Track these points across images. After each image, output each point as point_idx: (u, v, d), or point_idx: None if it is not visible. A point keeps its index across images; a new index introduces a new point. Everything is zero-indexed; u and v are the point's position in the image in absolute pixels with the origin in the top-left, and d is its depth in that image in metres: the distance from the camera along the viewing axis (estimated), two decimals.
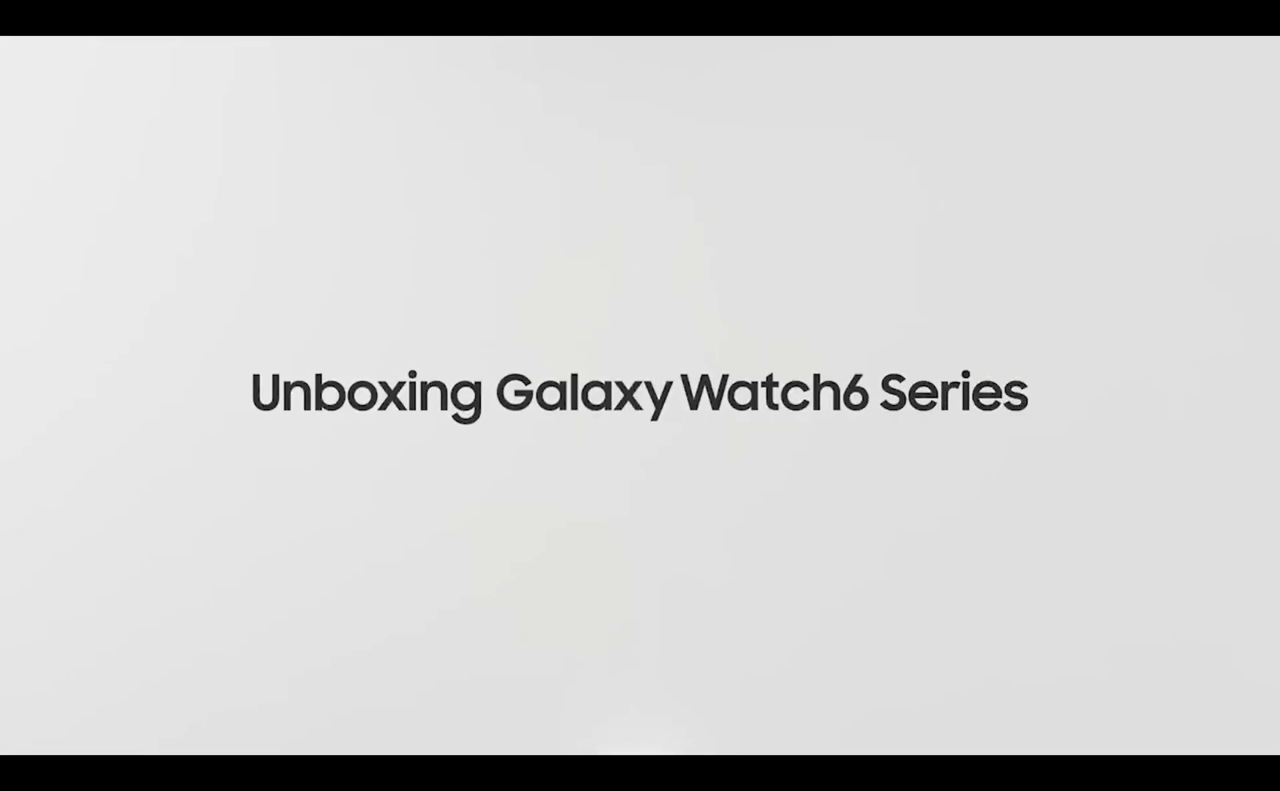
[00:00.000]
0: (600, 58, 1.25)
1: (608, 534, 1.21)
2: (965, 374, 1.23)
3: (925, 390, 1.22)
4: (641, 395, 1.19)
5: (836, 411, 1.22)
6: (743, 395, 1.22)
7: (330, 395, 1.23)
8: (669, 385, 1.18)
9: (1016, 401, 1.22)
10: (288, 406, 1.23)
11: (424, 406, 1.23)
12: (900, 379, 1.22)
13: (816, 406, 1.22)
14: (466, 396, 1.23)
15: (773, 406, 1.22)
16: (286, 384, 1.23)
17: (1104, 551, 1.22)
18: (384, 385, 1.23)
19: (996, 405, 1.22)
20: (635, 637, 1.22)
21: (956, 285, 1.23)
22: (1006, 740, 1.21)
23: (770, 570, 1.22)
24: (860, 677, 1.21)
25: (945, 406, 1.22)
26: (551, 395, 1.22)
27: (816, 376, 1.22)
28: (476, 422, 1.22)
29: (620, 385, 1.19)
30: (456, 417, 1.23)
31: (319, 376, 1.23)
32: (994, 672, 1.21)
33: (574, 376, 1.21)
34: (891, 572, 1.22)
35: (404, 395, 1.23)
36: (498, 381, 1.22)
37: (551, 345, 1.22)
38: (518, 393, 1.23)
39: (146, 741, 1.21)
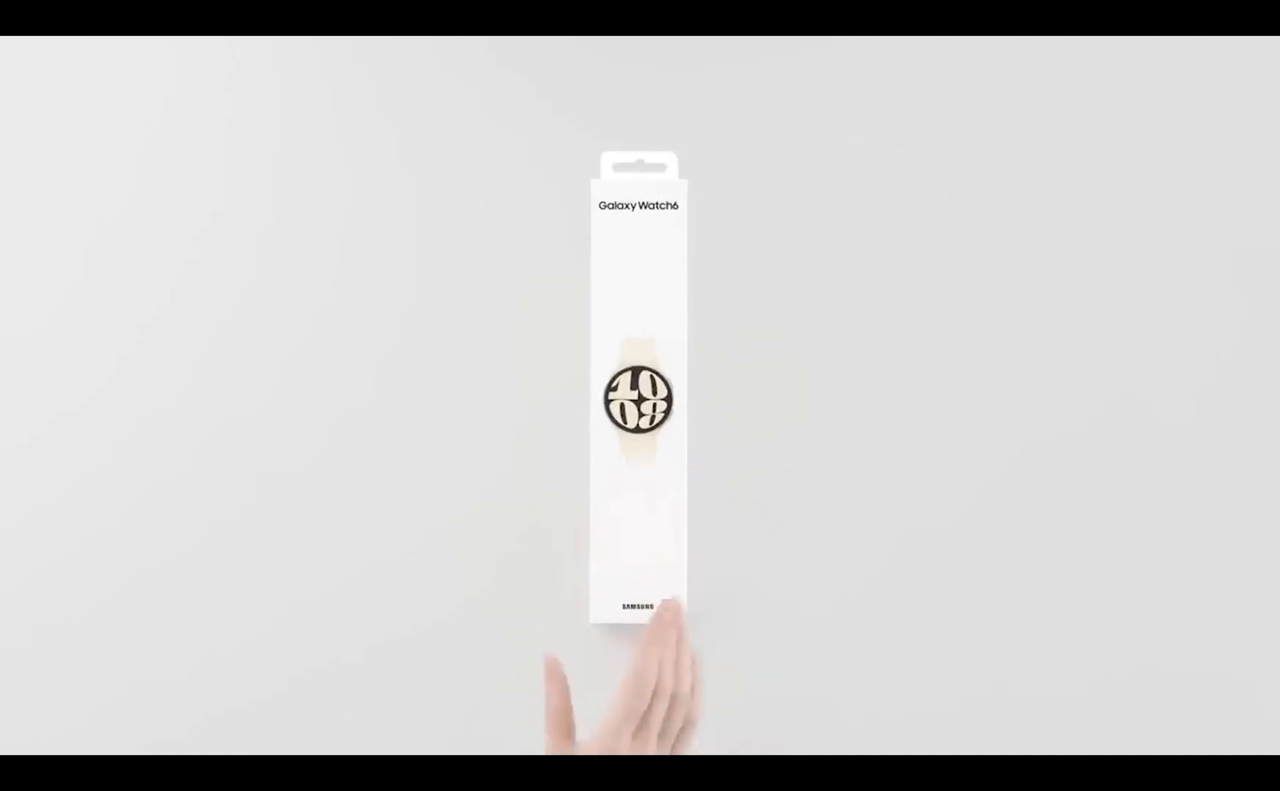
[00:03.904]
0: (600, 58, 1.25)
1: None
2: (970, 375, 1.23)
3: (928, 390, 1.22)
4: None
5: (837, 412, 1.22)
6: (742, 395, 1.22)
7: (331, 394, 1.23)
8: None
9: (1022, 403, 1.22)
10: (288, 407, 1.23)
11: (424, 406, 1.23)
12: (903, 379, 1.22)
13: (817, 406, 1.22)
14: (466, 396, 1.23)
15: (772, 406, 1.22)
16: (288, 384, 1.23)
17: (1107, 552, 1.22)
18: (384, 385, 1.23)
19: (1001, 407, 1.22)
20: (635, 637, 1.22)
21: (958, 285, 1.23)
22: (1007, 740, 1.21)
23: (771, 570, 1.22)
24: (860, 678, 1.21)
25: (948, 407, 1.22)
26: (551, 395, 1.22)
27: (817, 376, 1.22)
28: (477, 423, 1.22)
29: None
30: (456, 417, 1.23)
31: (320, 376, 1.23)
32: (996, 674, 1.21)
33: (574, 376, 1.21)
34: (892, 573, 1.22)
35: (404, 395, 1.23)
36: (498, 381, 1.22)
37: (551, 345, 1.22)
38: (518, 393, 1.23)
39: (147, 741, 1.21)
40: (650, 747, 1.08)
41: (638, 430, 1.18)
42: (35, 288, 1.23)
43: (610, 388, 1.18)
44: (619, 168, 1.20)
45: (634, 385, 1.18)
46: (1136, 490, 1.22)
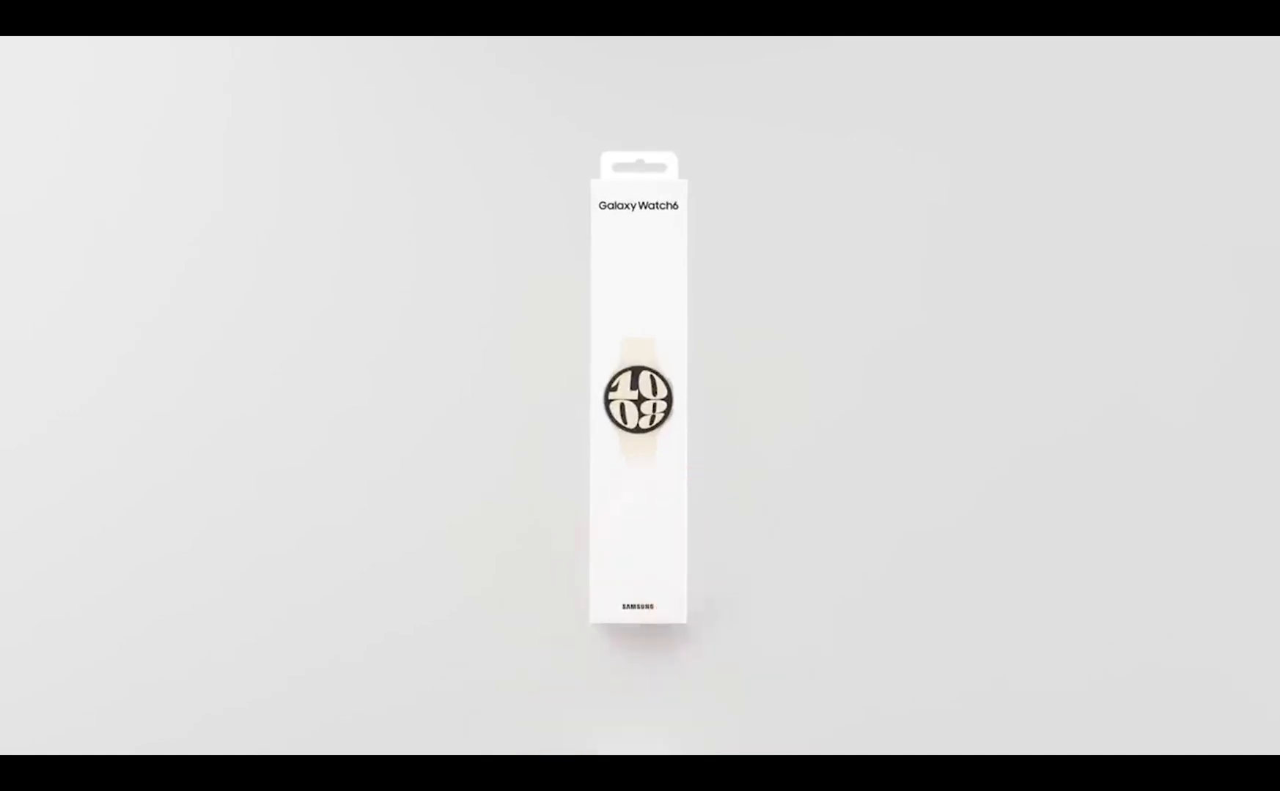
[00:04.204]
0: (600, 58, 1.25)
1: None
2: (970, 375, 1.23)
3: (928, 390, 1.22)
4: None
5: (837, 412, 1.22)
6: (742, 395, 1.22)
7: (331, 394, 1.23)
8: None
9: (1022, 403, 1.22)
10: (288, 406, 1.23)
11: (424, 406, 1.23)
12: (903, 379, 1.22)
13: (817, 406, 1.22)
14: (466, 396, 1.23)
15: (772, 406, 1.22)
16: (288, 384, 1.23)
17: (1107, 552, 1.22)
18: (384, 385, 1.23)
19: (1001, 407, 1.22)
20: (634, 637, 1.22)
21: (958, 285, 1.23)
22: (1007, 740, 1.21)
23: (771, 570, 1.22)
24: (860, 678, 1.21)
25: (948, 407, 1.22)
26: (551, 395, 1.22)
27: (817, 376, 1.22)
28: (477, 423, 1.22)
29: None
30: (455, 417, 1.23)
31: (320, 376, 1.23)
32: (996, 674, 1.21)
33: (574, 376, 1.21)
34: (892, 573, 1.22)
35: (404, 395, 1.23)
36: (498, 381, 1.22)
37: (551, 345, 1.22)
38: (518, 393, 1.23)
39: (147, 741, 1.21)
40: None
41: (638, 430, 1.18)
42: (35, 288, 1.23)
43: (610, 388, 1.18)
44: (619, 168, 1.20)
45: (634, 385, 1.18)
46: (1136, 490, 1.22)
